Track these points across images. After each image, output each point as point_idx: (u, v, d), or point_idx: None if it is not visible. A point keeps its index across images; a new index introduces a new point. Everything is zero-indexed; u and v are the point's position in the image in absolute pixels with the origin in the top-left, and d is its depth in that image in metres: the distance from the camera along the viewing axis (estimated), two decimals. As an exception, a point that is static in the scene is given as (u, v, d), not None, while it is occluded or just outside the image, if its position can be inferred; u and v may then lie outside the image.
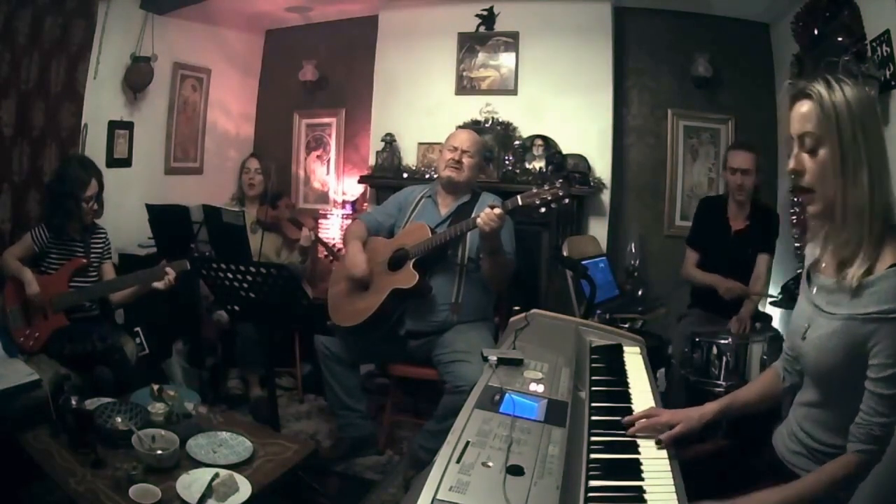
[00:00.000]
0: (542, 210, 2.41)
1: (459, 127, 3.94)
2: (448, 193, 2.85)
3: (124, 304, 2.94)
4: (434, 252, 2.65)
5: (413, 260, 2.65)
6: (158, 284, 2.71)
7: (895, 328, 1.17)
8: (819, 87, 1.23)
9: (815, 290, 1.37)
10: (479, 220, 2.43)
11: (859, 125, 1.20)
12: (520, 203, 2.41)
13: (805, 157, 1.27)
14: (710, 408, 1.48)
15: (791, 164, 1.28)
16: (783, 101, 1.32)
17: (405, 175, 4.16)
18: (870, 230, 1.22)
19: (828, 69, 2.90)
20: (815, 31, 3.13)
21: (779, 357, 1.57)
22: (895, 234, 1.23)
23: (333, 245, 3.96)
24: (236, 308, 2.53)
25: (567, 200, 2.41)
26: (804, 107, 1.26)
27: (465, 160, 2.77)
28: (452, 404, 2.41)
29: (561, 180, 2.46)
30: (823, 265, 1.36)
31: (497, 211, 2.40)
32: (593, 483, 1.20)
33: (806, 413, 1.41)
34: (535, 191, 2.42)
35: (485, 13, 4.18)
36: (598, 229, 4.02)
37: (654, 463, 1.31)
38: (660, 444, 1.36)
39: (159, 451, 1.90)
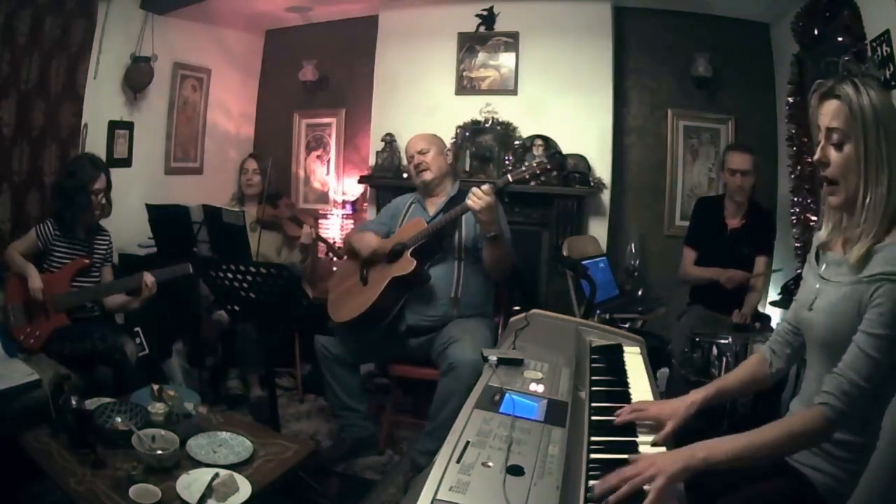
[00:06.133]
0: (532, 183, 2.54)
1: (459, 127, 4.03)
2: (430, 195, 2.91)
3: (117, 311, 2.96)
4: (431, 241, 2.69)
5: (410, 249, 2.68)
6: (146, 293, 2.76)
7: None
8: (847, 89, 1.28)
9: (823, 267, 1.41)
10: (468, 200, 2.45)
11: (883, 128, 1.26)
12: (510, 180, 2.48)
13: (831, 149, 1.32)
14: (696, 396, 1.48)
15: (818, 154, 1.34)
16: (782, 99, 1.36)
17: (405, 175, 4.14)
18: (880, 223, 1.26)
19: (828, 69, 2.91)
20: (815, 31, 3.14)
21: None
22: None
23: (334, 243, 3.96)
24: (236, 308, 2.53)
25: (551, 168, 2.54)
26: (833, 105, 1.31)
27: (427, 158, 2.85)
28: (445, 390, 2.43)
29: (547, 155, 2.58)
30: (834, 245, 1.40)
31: (484, 187, 2.43)
32: (593, 483, 1.20)
33: (815, 391, 1.40)
34: (522, 168, 2.54)
35: (485, 13, 4.18)
36: (598, 229, 4.02)
37: (655, 463, 1.30)
38: (655, 445, 1.36)
39: (159, 451, 1.90)
